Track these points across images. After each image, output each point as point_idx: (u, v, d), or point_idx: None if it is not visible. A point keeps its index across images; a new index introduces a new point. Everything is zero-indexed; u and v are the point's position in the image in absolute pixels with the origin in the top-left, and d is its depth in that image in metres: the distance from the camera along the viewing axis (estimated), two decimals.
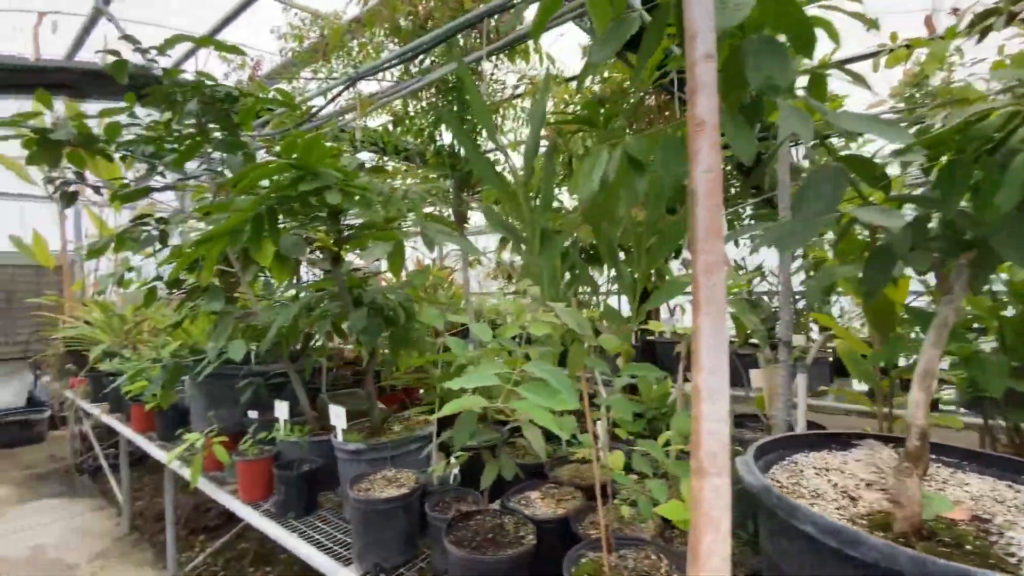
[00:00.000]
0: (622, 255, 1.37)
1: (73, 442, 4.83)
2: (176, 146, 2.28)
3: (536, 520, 1.36)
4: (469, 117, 2.76)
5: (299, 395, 2.21)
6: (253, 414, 2.39)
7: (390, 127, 3.46)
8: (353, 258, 2.73)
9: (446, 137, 2.94)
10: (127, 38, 2.11)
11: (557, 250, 1.35)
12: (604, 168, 0.99)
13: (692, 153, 0.59)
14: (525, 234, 1.38)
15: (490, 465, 1.49)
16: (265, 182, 1.58)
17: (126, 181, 2.32)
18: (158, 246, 2.30)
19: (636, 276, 1.30)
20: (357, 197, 1.62)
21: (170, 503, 2.94)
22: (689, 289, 0.64)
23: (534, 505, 1.49)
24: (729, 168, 3.01)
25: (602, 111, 2.08)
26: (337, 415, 1.81)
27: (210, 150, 2.23)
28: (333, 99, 3.06)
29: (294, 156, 1.51)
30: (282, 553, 3.22)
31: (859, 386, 1.75)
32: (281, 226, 1.80)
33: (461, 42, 3.24)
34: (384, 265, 2.39)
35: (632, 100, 2.87)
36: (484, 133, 2.92)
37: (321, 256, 2.42)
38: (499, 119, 3.41)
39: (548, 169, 1.40)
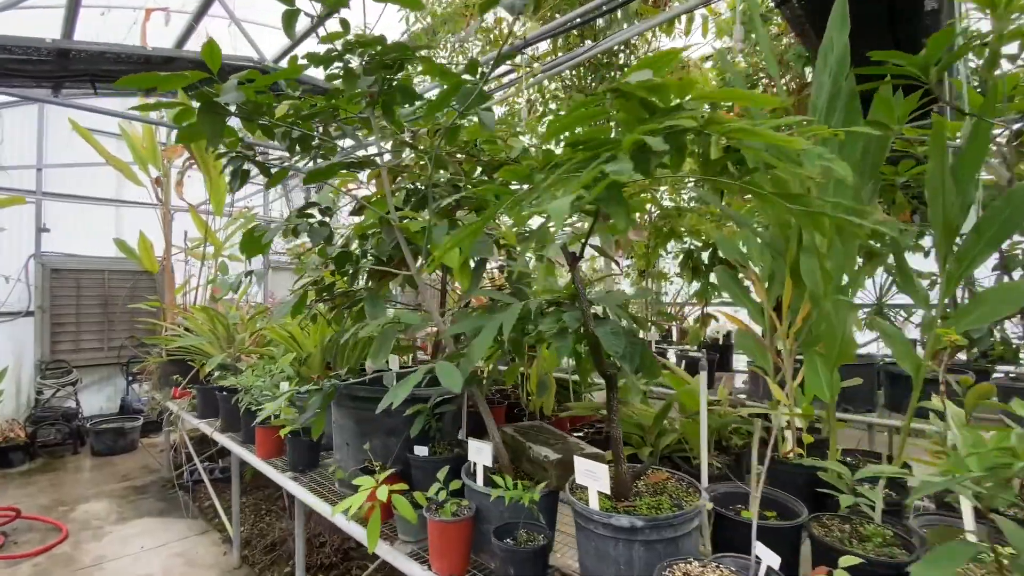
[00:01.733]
0: None
1: (170, 454, 4.62)
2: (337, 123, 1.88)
3: None
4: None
5: (490, 430, 1.73)
6: (420, 450, 1.93)
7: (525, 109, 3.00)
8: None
9: None
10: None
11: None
12: None
13: None
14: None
15: None
16: None
17: (278, 164, 1.93)
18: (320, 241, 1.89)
19: None
20: None
21: (301, 545, 2.54)
22: None
23: None
24: None
25: None
26: (590, 472, 1.30)
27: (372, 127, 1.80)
28: (493, 68, 2.62)
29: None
30: None
31: None
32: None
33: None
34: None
35: None
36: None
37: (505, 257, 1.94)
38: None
39: None
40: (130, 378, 6.23)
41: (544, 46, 3.49)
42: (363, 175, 2.35)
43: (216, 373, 3.37)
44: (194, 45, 3.76)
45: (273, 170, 1.89)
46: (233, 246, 4.60)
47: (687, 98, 0.94)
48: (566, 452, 1.64)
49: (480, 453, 1.61)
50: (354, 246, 2.25)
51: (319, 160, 1.98)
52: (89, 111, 3.13)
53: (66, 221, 5.98)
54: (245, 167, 1.70)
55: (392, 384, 1.79)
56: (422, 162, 2.21)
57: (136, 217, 6.37)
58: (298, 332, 3.42)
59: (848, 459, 1.90)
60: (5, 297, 5.64)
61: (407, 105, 1.95)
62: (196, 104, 1.54)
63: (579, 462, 1.34)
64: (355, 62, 1.77)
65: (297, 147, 1.76)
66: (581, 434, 2.37)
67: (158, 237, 5.08)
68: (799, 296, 1.85)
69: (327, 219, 1.92)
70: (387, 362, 1.99)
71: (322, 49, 1.69)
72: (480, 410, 1.75)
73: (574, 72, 3.12)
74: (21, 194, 5.29)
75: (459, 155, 2.26)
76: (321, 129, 1.81)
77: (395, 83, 1.81)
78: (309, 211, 1.92)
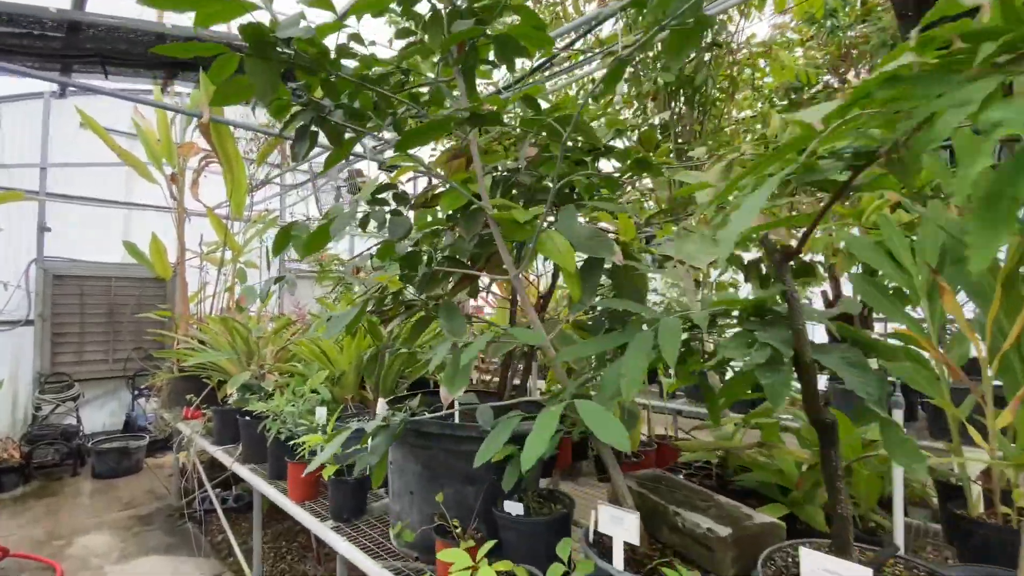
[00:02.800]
0: None
1: (179, 479, 4.18)
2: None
3: None
4: None
5: (617, 489, 1.29)
6: (514, 507, 1.50)
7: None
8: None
9: None
10: None
11: None
12: None
13: None
14: None
15: None
16: None
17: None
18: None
19: None
20: None
21: None
22: None
23: None
24: None
25: None
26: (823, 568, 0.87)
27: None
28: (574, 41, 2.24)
29: None
30: None
31: None
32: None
33: None
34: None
35: None
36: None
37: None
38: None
39: None
40: (136, 393, 5.81)
41: (607, 29, 3.12)
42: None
43: (235, 394, 2.95)
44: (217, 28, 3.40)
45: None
46: (252, 251, 4.22)
47: None
48: (733, 523, 1.21)
49: (619, 524, 1.18)
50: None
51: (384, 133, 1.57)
52: (106, 95, 2.74)
53: (70, 224, 5.60)
54: (313, 129, 1.28)
55: (488, 420, 1.38)
56: (507, 142, 1.80)
57: (146, 221, 5.99)
58: (330, 347, 3.00)
59: None
60: (3, 304, 5.25)
61: (496, 66, 1.55)
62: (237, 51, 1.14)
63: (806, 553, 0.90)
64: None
65: (370, 115, 1.35)
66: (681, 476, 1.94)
67: (170, 242, 4.70)
68: (1012, 309, 1.42)
69: (403, 208, 1.51)
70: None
71: None
72: (604, 458, 1.32)
73: (641, 56, 2.72)
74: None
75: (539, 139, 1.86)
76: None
77: (489, 36, 1.41)
78: (381, 196, 1.51)
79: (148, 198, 5.84)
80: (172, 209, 4.35)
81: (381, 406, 2.37)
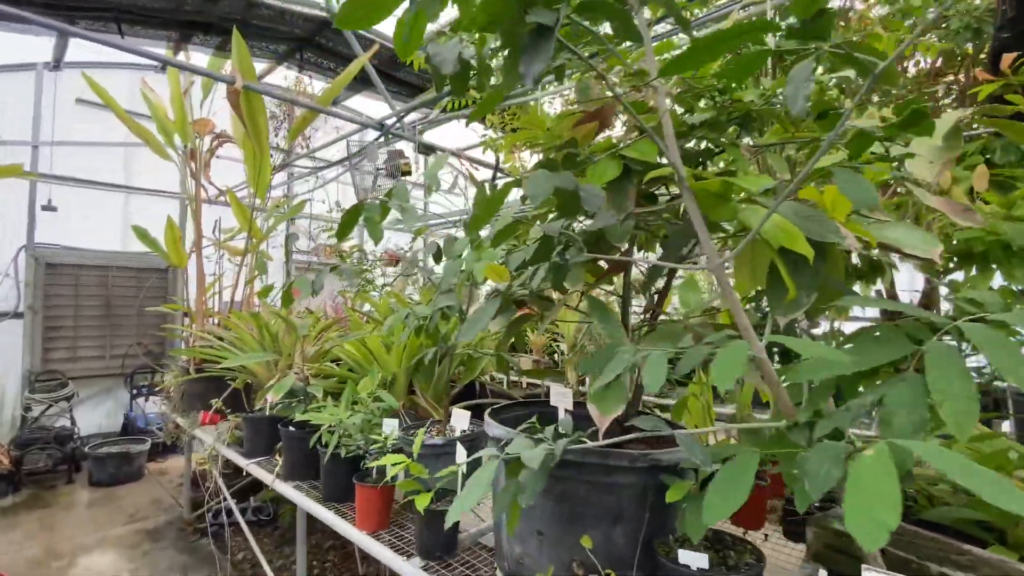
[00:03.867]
0: None
1: (188, 488, 3.80)
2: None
3: None
4: None
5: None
6: (692, 558, 1.18)
7: None
8: None
9: None
10: None
11: None
12: None
13: None
14: None
15: None
16: None
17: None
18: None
19: None
20: None
21: None
22: None
23: None
24: None
25: None
26: None
27: None
28: None
29: None
30: None
31: None
32: None
33: None
34: None
35: None
36: None
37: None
38: None
39: None
40: (134, 392, 5.38)
41: None
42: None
43: (270, 401, 2.58)
44: None
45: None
46: (275, 235, 3.84)
47: None
48: None
49: None
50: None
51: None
52: (127, 50, 2.34)
53: (65, 208, 5.14)
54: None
55: (697, 452, 1.05)
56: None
57: (147, 206, 5.55)
58: (378, 347, 2.66)
59: None
60: None
61: None
62: None
63: None
64: None
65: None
66: None
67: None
68: None
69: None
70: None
71: None
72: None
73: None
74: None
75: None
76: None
77: None
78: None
79: (151, 181, 5.40)
80: (181, 195, 3.94)
81: (460, 418, 2.03)
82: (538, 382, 3.29)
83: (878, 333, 1.00)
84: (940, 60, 2.76)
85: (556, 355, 3.51)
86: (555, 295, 1.53)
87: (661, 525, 1.34)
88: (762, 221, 0.96)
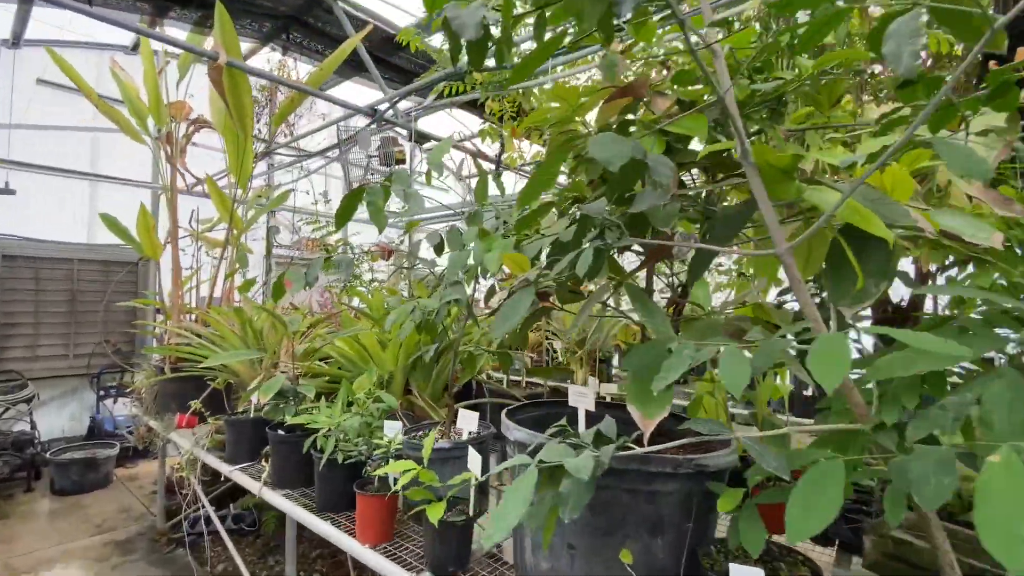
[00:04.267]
0: None
1: (163, 497, 3.56)
2: None
3: None
4: None
5: (938, 545, 0.89)
6: (745, 573, 1.07)
7: None
8: None
9: None
10: None
11: None
12: None
13: None
14: None
15: None
16: None
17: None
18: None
19: None
20: None
21: None
22: None
23: None
24: None
25: None
26: None
27: None
28: None
29: None
30: None
31: None
32: None
33: None
34: None
35: None
36: None
37: None
38: None
39: None
40: (101, 393, 5.07)
41: None
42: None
43: (256, 402, 2.40)
44: None
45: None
46: (254, 228, 3.63)
47: None
48: None
49: None
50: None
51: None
52: (98, 18, 2.11)
53: (24, 195, 4.79)
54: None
55: (762, 453, 0.94)
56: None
57: (114, 195, 5.23)
58: (373, 345, 2.50)
59: None
60: None
61: None
62: None
63: None
64: None
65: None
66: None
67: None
68: None
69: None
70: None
71: None
72: (928, 519, 0.92)
73: None
74: None
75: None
76: None
77: None
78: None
79: (120, 169, 5.09)
80: (154, 184, 3.69)
81: (467, 419, 1.90)
82: (539, 381, 3.17)
83: (958, 325, 0.91)
84: (947, 54, 2.72)
85: (548, 353, 3.40)
86: (591, 286, 1.41)
87: (702, 535, 1.23)
88: (844, 197, 0.86)
